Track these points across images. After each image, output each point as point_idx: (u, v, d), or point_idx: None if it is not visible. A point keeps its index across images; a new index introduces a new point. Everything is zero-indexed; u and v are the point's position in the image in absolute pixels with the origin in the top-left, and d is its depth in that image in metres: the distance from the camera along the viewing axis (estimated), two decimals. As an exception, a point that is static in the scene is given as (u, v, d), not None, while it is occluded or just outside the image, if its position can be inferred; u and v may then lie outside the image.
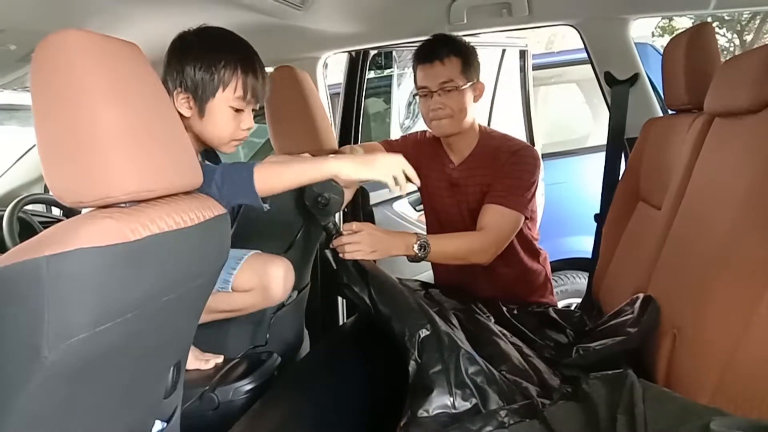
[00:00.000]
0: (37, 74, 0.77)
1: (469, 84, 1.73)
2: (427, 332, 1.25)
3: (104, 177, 0.75)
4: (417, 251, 1.58)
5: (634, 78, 1.99)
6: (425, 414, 1.12)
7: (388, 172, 1.25)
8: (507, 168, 1.74)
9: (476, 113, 1.81)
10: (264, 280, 1.42)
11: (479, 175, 1.79)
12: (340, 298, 2.36)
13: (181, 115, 1.24)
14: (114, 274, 0.74)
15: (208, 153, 1.37)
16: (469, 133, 1.81)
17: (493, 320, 1.61)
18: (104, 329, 0.74)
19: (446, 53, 1.71)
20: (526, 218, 1.79)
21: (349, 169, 1.20)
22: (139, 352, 0.88)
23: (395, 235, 1.62)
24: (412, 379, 1.20)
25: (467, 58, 1.73)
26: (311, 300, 1.85)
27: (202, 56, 1.22)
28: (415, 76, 1.80)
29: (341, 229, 1.53)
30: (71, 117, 0.75)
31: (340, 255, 1.51)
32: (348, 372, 1.47)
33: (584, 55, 2.09)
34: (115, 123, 0.75)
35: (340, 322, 2.35)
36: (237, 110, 1.26)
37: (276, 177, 1.15)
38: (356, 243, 1.50)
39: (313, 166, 1.19)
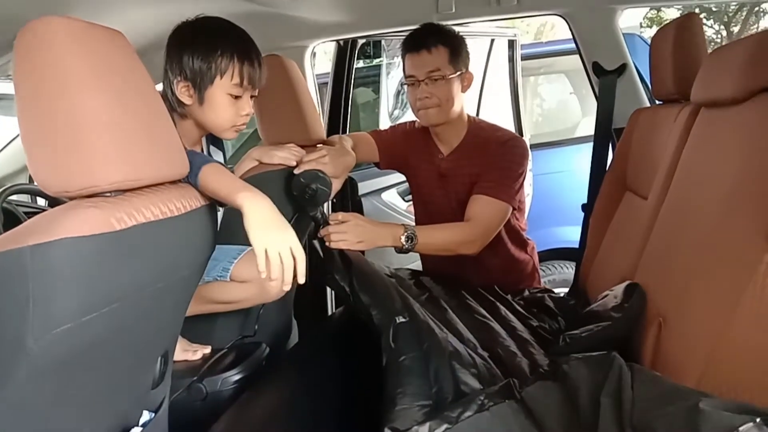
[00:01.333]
0: (20, 62, 0.75)
1: (457, 74, 1.72)
2: (404, 319, 1.25)
3: (89, 166, 0.74)
4: (404, 242, 1.58)
5: (622, 68, 2.00)
6: (402, 398, 1.10)
7: (270, 247, 1.06)
8: (495, 158, 1.74)
9: (464, 103, 1.81)
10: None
11: (468, 166, 1.79)
12: (329, 289, 2.36)
13: (182, 103, 1.29)
14: (99, 264, 0.73)
15: (213, 139, 1.43)
16: (458, 123, 1.81)
17: (483, 304, 1.62)
18: (90, 319, 0.73)
19: (434, 42, 1.70)
20: (514, 209, 1.79)
21: (250, 218, 1.03)
22: (126, 342, 0.87)
23: (382, 226, 1.61)
24: (385, 364, 1.19)
25: (455, 47, 1.73)
26: (300, 290, 1.84)
27: (199, 45, 1.26)
28: (403, 64, 1.79)
29: (328, 219, 1.53)
30: (54, 105, 0.73)
31: (326, 244, 1.51)
32: (336, 362, 1.47)
33: (573, 45, 2.10)
34: (99, 111, 0.74)
35: (329, 313, 2.35)
36: (235, 97, 1.30)
37: (211, 182, 1.02)
38: (342, 233, 1.50)
39: (230, 188, 1.03)
